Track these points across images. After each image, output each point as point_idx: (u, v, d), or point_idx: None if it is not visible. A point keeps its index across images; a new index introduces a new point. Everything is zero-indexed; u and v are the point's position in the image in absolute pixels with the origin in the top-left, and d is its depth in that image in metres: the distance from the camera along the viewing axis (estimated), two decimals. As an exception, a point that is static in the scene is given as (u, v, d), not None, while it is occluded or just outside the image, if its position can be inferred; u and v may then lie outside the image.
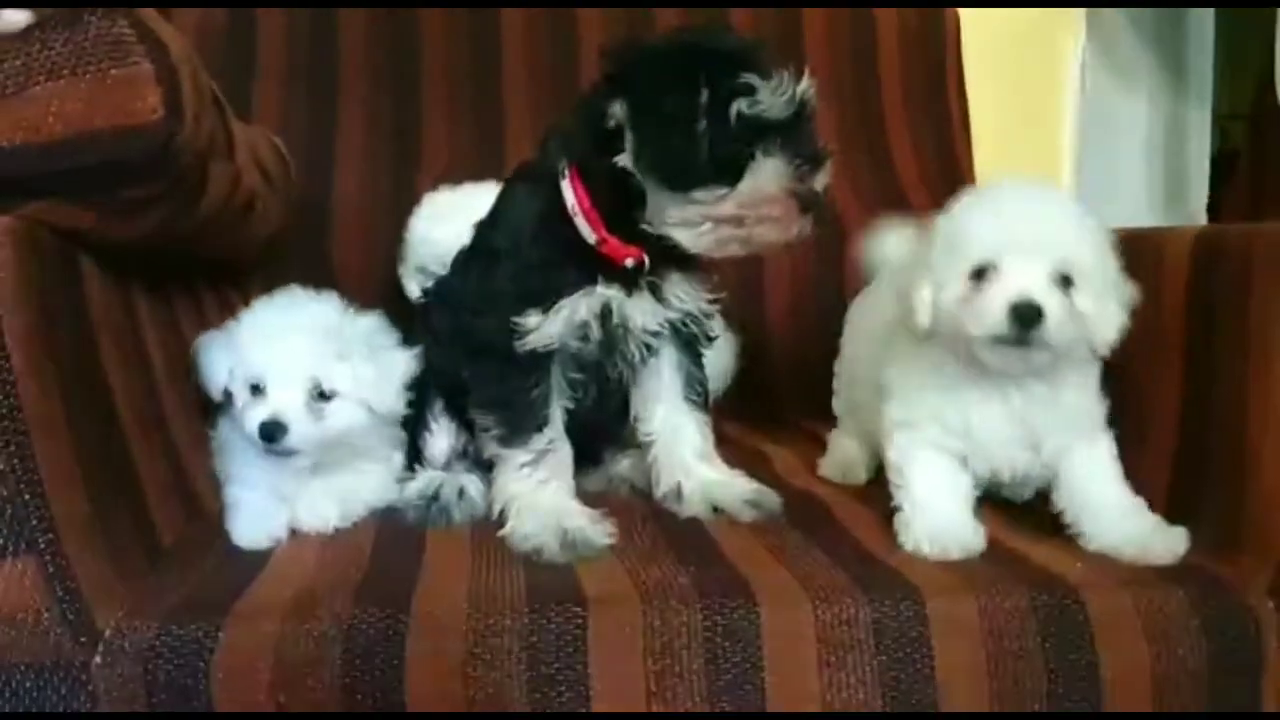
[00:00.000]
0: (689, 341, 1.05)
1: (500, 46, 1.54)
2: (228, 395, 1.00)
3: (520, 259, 0.97)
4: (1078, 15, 1.92)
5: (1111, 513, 0.91)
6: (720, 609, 0.80)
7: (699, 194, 0.90)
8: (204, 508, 1.01)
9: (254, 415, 0.96)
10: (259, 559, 0.90)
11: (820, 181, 0.92)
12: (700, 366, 1.07)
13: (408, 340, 1.07)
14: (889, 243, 1.21)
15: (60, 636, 0.75)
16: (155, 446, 0.94)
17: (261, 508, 0.97)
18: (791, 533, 0.97)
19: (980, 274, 0.88)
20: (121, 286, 0.94)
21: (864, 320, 1.19)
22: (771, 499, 1.02)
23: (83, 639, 0.76)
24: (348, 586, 0.83)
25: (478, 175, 1.34)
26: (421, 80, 1.52)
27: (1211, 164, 2.04)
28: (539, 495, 0.96)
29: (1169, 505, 0.94)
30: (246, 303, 1.12)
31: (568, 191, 0.95)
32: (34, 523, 0.73)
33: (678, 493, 1.03)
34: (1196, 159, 2.03)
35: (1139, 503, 0.92)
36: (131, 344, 0.94)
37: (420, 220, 1.36)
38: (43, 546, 0.73)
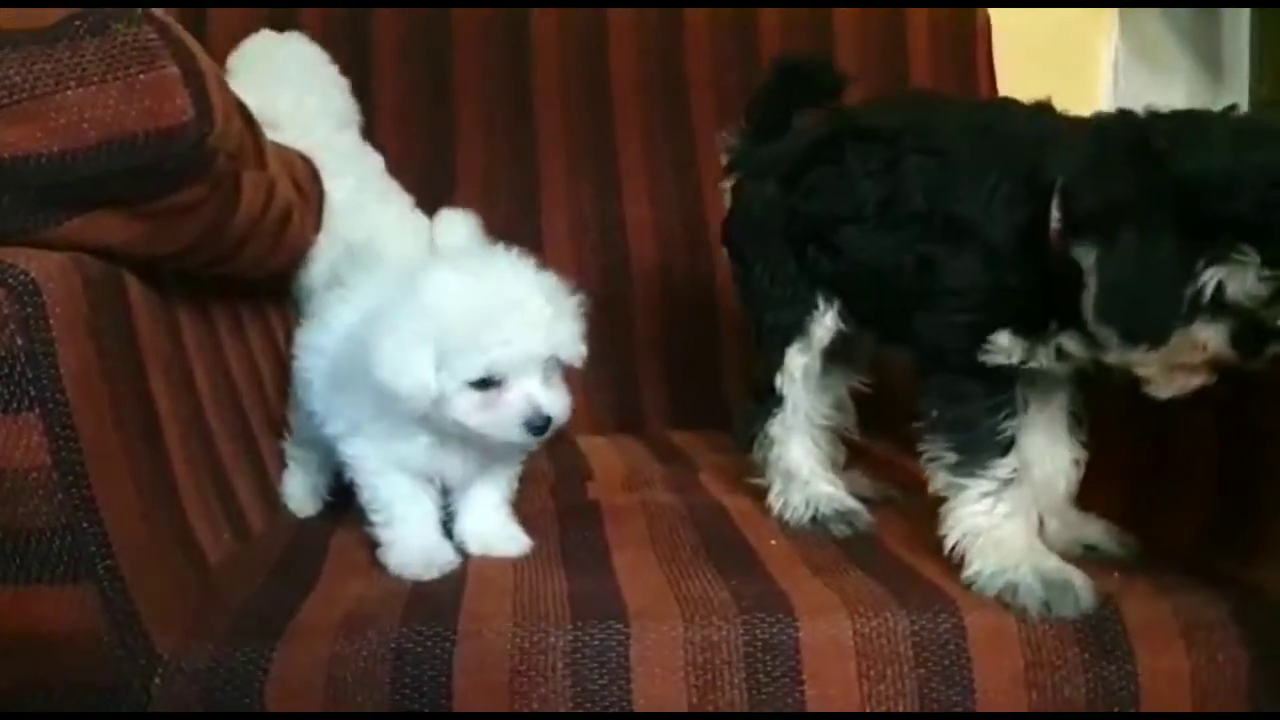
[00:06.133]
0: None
1: (532, 67, 1.55)
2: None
3: (1001, 265, 0.87)
4: (1110, 14, 1.91)
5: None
6: (760, 623, 0.81)
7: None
8: (249, 526, 1.03)
9: (506, 416, 0.88)
10: (306, 576, 0.92)
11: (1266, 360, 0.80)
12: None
13: None
14: None
15: (120, 659, 0.77)
16: (202, 468, 0.96)
17: (426, 541, 0.95)
18: (828, 546, 0.98)
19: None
20: (167, 313, 0.97)
21: None
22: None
23: (142, 661, 0.78)
24: (395, 602, 0.85)
25: (512, 196, 1.36)
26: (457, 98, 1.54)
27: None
28: (1002, 531, 0.87)
29: (1213, 510, 0.95)
30: (286, 323, 1.13)
31: (1057, 212, 0.83)
32: (92, 549, 0.74)
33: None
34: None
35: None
36: (178, 369, 0.97)
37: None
38: (101, 573, 0.75)
